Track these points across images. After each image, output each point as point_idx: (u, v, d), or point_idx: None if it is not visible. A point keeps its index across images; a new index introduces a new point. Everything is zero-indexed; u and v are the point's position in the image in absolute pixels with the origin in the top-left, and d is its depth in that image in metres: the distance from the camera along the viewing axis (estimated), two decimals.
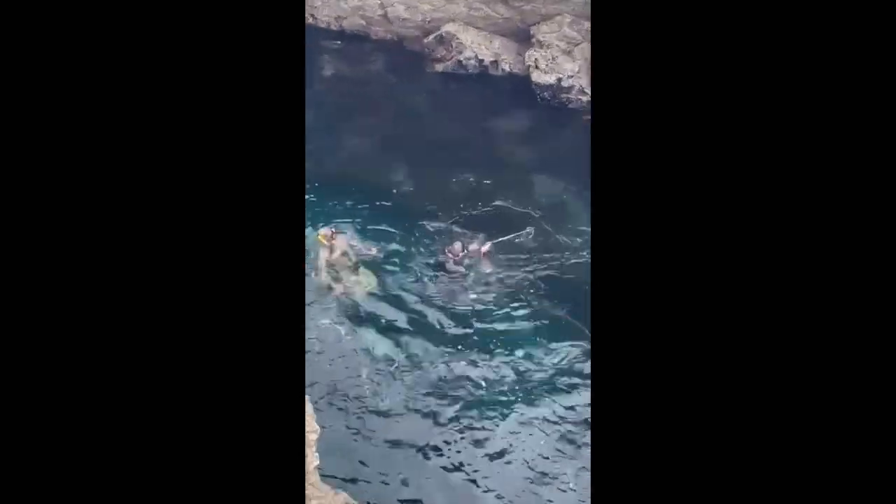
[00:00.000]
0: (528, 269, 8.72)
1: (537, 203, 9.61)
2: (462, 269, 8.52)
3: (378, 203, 9.52)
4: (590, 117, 9.47)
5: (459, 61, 11.58)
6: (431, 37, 11.74)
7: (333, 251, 8.43)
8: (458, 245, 8.60)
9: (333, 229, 8.60)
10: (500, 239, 8.83)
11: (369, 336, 7.89)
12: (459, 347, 7.79)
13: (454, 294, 8.39)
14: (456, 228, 9.14)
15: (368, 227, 9.17)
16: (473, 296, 8.38)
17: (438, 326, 8.02)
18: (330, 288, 8.26)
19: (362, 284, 8.35)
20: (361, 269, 8.48)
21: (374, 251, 8.71)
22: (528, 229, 9.02)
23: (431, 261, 8.74)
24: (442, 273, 8.55)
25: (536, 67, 11.07)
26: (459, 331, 7.98)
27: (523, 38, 11.47)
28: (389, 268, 8.68)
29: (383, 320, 8.05)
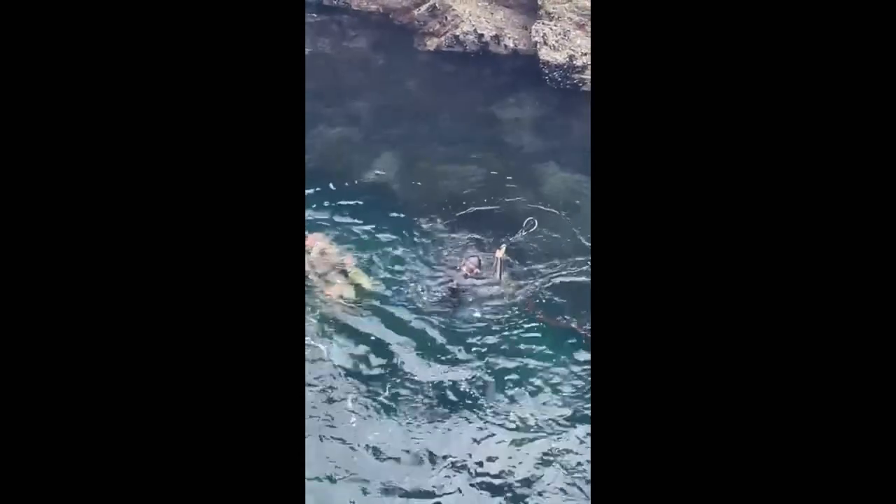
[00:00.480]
0: (544, 277, 7.34)
1: (547, 199, 8.29)
2: (476, 283, 7.17)
3: (361, 201, 8.15)
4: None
5: (455, 37, 10.21)
6: (423, 8, 10.37)
7: (309, 251, 7.20)
8: (473, 260, 7.23)
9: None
10: (510, 239, 7.53)
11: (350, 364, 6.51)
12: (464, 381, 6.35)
13: (457, 313, 7.00)
14: (454, 234, 7.79)
15: (351, 227, 7.80)
16: (478, 314, 6.98)
17: (435, 360, 6.56)
18: (321, 291, 7.05)
19: (359, 284, 7.13)
20: (351, 269, 7.23)
21: (348, 261, 7.37)
22: (530, 218, 7.71)
23: (434, 280, 7.30)
24: (446, 292, 7.15)
25: (545, 43, 9.73)
26: (457, 373, 6.48)
27: (530, 9, 10.12)
28: (382, 278, 7.32)
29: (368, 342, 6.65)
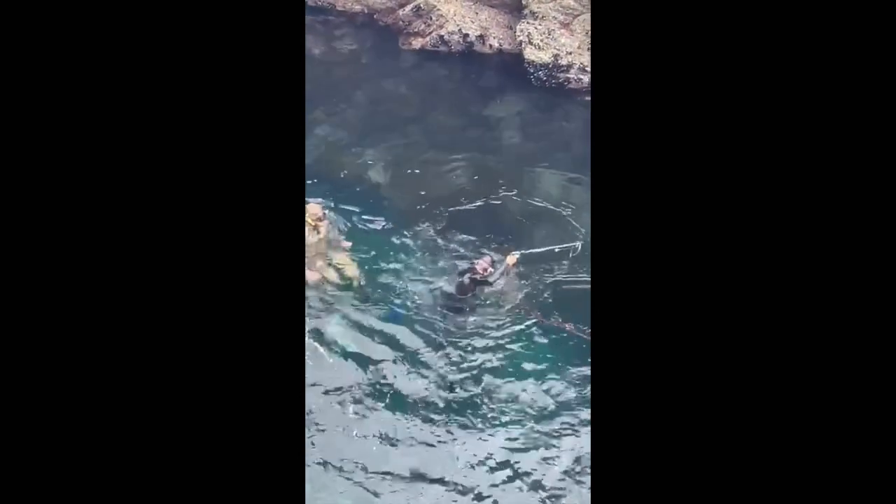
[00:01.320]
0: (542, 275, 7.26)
1: (538, 197, 8.29)
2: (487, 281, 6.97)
3: (353, 201, 8.05)
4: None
5: (440, 37, 10.19)
6: (407, 8, 10.32)
7: (319, 232, 7.03)
8: (487, 259, 7.04)
9: (325, 210, 7.19)
10: (534, 251, 7.25)
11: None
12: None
13: (453, 316, 6.86)
14: (447, 234, 7.69)
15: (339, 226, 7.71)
16: (473, 318, 6.86)
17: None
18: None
19: (342, 273, 6.99)
20: (340, 258, 7.10)
21: (346, 245, 7.28)
22: (576, 244, 7.26)
23: (424, 280, 7.17)
24: (455, 287, 6.96)
25: (530, 43, 9.75)
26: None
27: (514, 8, 10.13)
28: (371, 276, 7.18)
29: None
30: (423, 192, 8.23)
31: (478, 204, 8.11)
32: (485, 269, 6.93)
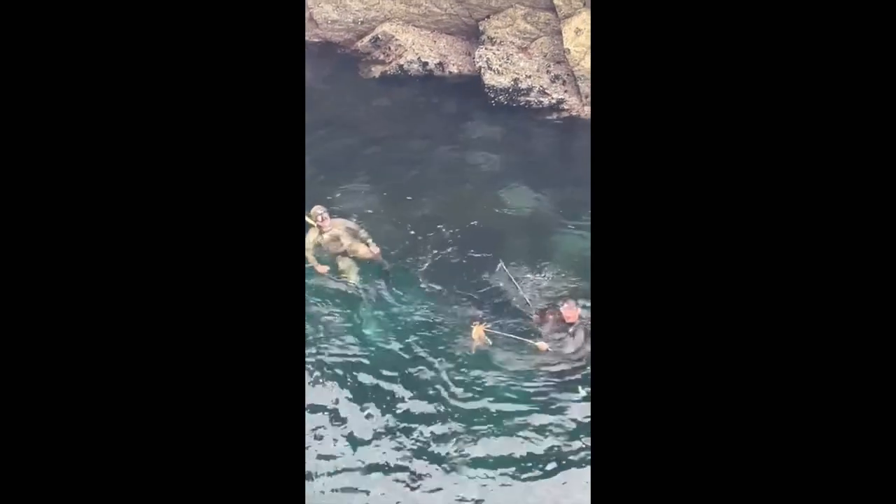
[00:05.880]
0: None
1: (515, 214, 8.46)
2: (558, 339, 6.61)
3: None
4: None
5: (400, 66, 10.25)
6: (366, 39, 10.36)
7: (322, 233, 7.41)
8: (572, 305, 6.49)
9: (324, 212, 7.48)
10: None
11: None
12: None
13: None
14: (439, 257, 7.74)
15: None
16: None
17: None
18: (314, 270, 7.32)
19: (345, 273, 7.39)
20: (348, 260, 7.47)
21: (376, 251, 7.52)
22: (500, 264, 7.35)
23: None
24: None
25: (489, 68, 9.90)
26: None
27: (472, 35, 10.28)
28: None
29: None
30: (404, 219, 8.25)
31: (461, 226, 8.17)
32: (564, 319, 6.56)
